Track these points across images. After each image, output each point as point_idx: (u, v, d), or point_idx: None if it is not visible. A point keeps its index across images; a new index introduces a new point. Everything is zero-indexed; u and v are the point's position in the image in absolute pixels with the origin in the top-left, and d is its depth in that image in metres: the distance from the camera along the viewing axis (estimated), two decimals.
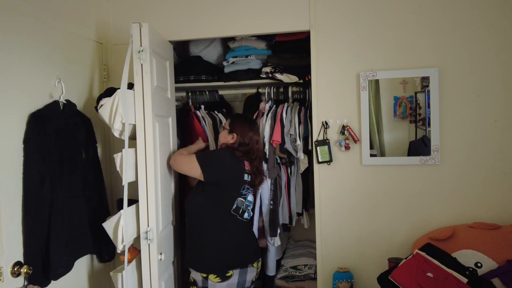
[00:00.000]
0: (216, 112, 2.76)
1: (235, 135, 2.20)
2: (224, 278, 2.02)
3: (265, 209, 2.44)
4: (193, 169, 2.06)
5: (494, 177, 2.15)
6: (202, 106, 2.72)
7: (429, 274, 1.85)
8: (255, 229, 2.42)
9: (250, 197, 2.16)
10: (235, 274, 2.03)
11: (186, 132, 2.64)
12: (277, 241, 2.45)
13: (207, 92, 2.78)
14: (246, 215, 2.14)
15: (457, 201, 2.19)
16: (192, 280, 2.11)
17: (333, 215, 2.31)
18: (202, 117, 2.63)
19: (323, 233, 2.32)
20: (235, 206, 2.08)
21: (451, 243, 2.04)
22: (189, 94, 2.77)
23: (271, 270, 2.61)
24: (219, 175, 2.08)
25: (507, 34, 2.11)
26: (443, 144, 2.18)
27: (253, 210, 2.31)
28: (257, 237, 2.38)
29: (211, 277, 2.02)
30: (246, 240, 2.18)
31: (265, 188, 2.41)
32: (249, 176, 2.16)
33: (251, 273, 2.10)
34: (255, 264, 2.13)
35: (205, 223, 2.08)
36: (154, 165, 1.93)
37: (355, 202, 2.28)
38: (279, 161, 2.49)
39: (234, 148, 2.17)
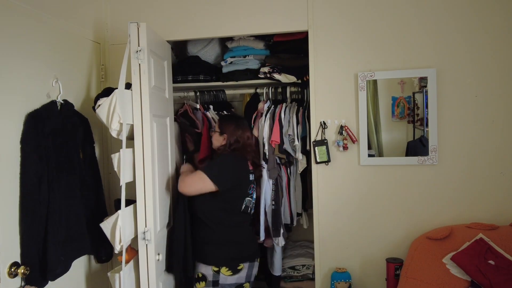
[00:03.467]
0: (225, 112, 2.75)
1: (226, 135, 2.24)
2: (235, 271, 2.10)
3: (268, 209, 2.45)
4: (206, 184, 2.06)
5: (491, 178, 2.16)
6: (211, 107, 2.71)
7: (491, 262, 1.87)
8: (262, 229, 2.45)
9: (254, 195, 2.26)
10: (245, 268, 2.13)
11: (197, 136, 2.60)
12: (281, 241, 2.46)
13: (214, 92, 2.79)
14: (251, 211, 2.25)
15: (455, 201, 2.19)
16: (200, 275, 2.13)
17: (331, 215, 2.31)
18: (212, 118, 2.63)
19: (321, 233, 2.32)
20: (244, 206, 2.17)
21: (449, 243, 2.05)
22: (198, 94, 2.78)
23: (277, 270, 2.63)
24: (231, 181, 2.12)
25: (505, 35, 2.12)
26: (441, 144, 2.18)
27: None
28: (264, 237, 2.46)
29: (223, 270, 2.09)
30: (252, 236, 2.29)
31: (267, 189, 2.43)
32: (253, 175, 2.25)
33: (256, 268, 2.20)
34: (257, 260, 2.22)
35: (219, 222, 2.15)
36: (151, 165, 1.92)
37: (353, 202, 2.29)
38: (278, 161, 2.49)
39: (229, 149, 2.23)
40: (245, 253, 2.16)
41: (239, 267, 2.11)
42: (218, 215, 2.14)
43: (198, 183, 2.07)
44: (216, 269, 2.09)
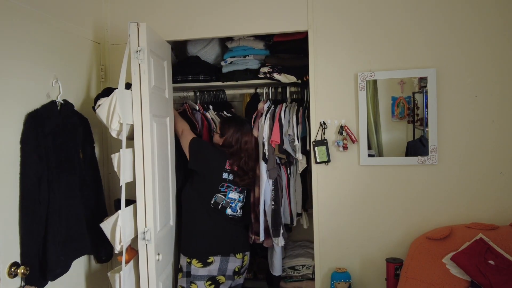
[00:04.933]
0: (225, 112, 2.75)
1: (224, 138, 2.34)
2: (205, 263, 2.21)
3: (268, 209, 2.45)
4: (186, 148, 2.31)
5: (491, 178, 2.16)
6: (211, 107, 2.71)
7: (491, 262, 1.87)
8: (261, 229, 2.44)
9: (232, 195, 2.31)
10: (216, 261, 2.23)
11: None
12: (280, 241, 2.46)
13: (213, 92, 2.78)
14: (229, 211, 2.30)
15: (454, 201, 2.19)
16: (180, 266, 2.29)
17: (331, 215, 2.31)
18: (212, 119, 2.62)
19: (321, 233, 2.32)
20: (213, 201, 2.27)
21: (449, 243, 2.05)
22: (197, 94, 2.77)
23: (277, 270, 2.62)
24: (199, 166, 2.29)
25: (505, 35, 2.12)
26: (441, 144, 2.18)
27: (243, 208, 2.41)
28: (263, 238, 2.46)
29: (194, 262, 2.22)
30: (230, 232, 2.33)
31: (267, 189, 2.43)
32: (230, 175, 2.29)
33: (233, 262, 2.25)
34: (238, 255, 2.27)
35: (192, 211, 2.30)
36: (151, 165, 1.92)
37: (353, 202, 2.29)
38: (278, 161, 2.48)
39: (222, 147, 2.35)
40: (217, 247, 2.25)
41: (208, 260, 2.21)
42: (192, 200, 2.29)
43: (185, 141, 2.33)
44: (188, 260, 2.23)
